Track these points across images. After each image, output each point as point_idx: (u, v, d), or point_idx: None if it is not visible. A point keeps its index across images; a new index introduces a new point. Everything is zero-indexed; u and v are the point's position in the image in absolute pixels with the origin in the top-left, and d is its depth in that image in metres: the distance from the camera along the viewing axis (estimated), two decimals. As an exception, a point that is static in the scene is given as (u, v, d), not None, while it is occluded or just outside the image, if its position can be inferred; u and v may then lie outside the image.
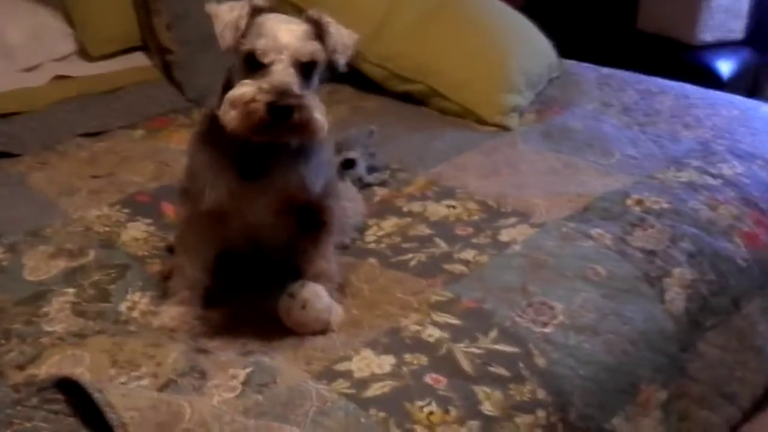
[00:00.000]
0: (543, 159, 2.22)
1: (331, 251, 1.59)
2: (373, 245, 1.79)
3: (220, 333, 1.50)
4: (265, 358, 1.39)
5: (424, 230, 1.84)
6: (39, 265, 1.66)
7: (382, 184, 2.07)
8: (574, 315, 1.59)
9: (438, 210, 1.92)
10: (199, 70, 2.56)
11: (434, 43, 2.59)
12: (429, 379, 1.37)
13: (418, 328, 1.49)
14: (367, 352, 1.42)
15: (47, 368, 1.34)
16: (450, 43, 2.59)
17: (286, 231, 1.56)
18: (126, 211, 1.89)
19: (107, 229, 1.81)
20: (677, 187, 2.05)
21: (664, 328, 1.69)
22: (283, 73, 1.32)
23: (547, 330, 1.53)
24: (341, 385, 1.34)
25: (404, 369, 1.39)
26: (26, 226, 1.80)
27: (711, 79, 3.32)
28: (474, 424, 1.34)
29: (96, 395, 1.20)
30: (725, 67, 3.51)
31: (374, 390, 1.33)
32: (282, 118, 1.30)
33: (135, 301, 1.58)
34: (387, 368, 1.38)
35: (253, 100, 1.29)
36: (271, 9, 1.41)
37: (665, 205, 1.95)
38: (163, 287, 1.60)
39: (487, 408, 1.37)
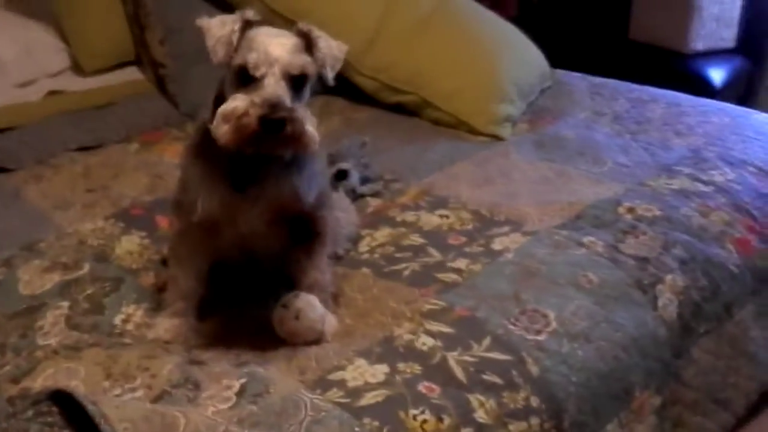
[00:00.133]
0: (535, 168, 2.23)
1: (324, 262, 1.59)
2: (366, 255, 1.80)
3: (214, 344, 1.51)
4: (259, 368, 1.39)
5: (417, 240, 1.85)
6: (33, 279, 1.66)
7: (376, 194, 2.08)
8: (567, 322, 1.59)
9: (431, 220, 1.93)
10: (192, 83, 2.57)
11: (426, 53, 2.60)
12: (422, 387, 1.38)
13: (411, 337, 1.50)
14: (361, 362, 1.42)
15: (42, 381, 1.35)
16: (441, 53, 2.60)
17: (279, 241, 1.56)
18: (120, 224, 1.90)
19: (102, 242, 1.82)
20: (669, 195, 2.06)
21: (657, 335, 1.69)
22: (274, 87, 1.33)
23: (540, 337, 1.54)
24: (335, 394, 1.34)
25: (398, 378, 1.39)
26: (21, 240, 1.81)
27: (703, 88, 3.34)
28: (468, 432, 1.34)
29: (90, 407, 1.20)
30: (717, 75, 3.53)
31: (368, 399, 1.33)
32: (274, 131, 1.31)
33: (129, 314, 1.58)
34: (380, 377, 1.39)
35: (245, 113, 1.30)
36: (262, 22, 1.42)
37: (657, 213, 1.96)
38: (157, 299, 1.61)
39: (481, 416, 1.37)
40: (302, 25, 1.41)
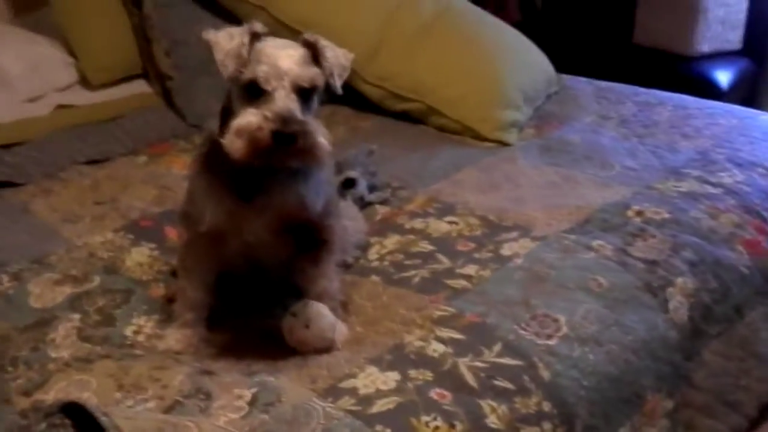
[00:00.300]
0: (542, 173, 2.23)
1: (332, 270, 1.59)
2: (375, 263, 1.80)
3: (224, 354, 1.51)
4: (270, 377, 1.39)
5: (426, 247, 1.85)
6: (44, 292, 1.67)
7: (383, 202, 2.08)
8: (577, 327, 1.59)
9: (439, 226, 1.93)
10: (198, 95, 2.58)
11: (430, 60, 2.61)
12: (434, 394, 1.38)
13: (421, 343, 1.49)
14: (372, 369, 1.42)
15: (54, 394, 1.35)
16: (446, 60, 2.61)
17: (285, 251, 1.57)
18: (129, 236, 1.90)
19: (111, 254, 1.82)
20: (677, 197, 2.06)
21: (668, 338, 1.69)
22: (285, 100, 1.33)
23: (551, 342, 1.54)
24: (347, 402, 1.34)
25: (409, 385, 1.39)
26: (31, 253, 1.81)
27: (709, 90, 3.34)
28: (480, 437, 1.34)
29: (102, 419, 1.21)
30: (723, 77, 3.53)
31: (379, 406, 1.33)
32: (287, 145, 1.31)
33: (140, 325, 1.59)
34: (392, 384, 1.39)
35: (258, 128, 1.30)
36: (268, 33, 1.42)
37: (666, 215, 1.96)
38: (167, 311, 1.61)
39: (493, 422, 1.37)
40: (308, 36, 1.42)
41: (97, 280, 1.72)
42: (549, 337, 1.55)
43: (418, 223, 1.96)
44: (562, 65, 2.91)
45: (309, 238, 1.55)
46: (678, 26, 3.68)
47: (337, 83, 1.42)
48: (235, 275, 1.61)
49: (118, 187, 2.17)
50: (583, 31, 3.98)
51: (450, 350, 1.48)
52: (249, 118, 1.32)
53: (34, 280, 1.71)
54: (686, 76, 3.53)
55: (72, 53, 2.70)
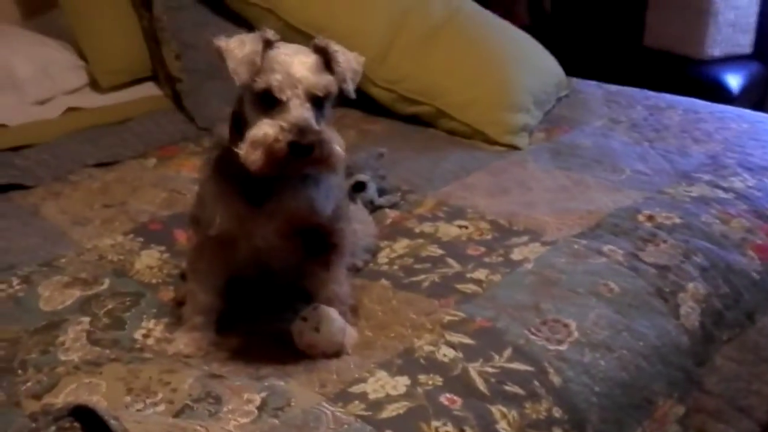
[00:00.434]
0: (552, 177, 2.22)
1: (342, 274, 1.59)
2: (385, 267, 1.79)
3: (233, 358, 1.50)
4: (279, 381, 1.39)
5: (435, 251, 1.84)
6: (54, 295, 1.67)
7: (393, 206, 2.08)
8: (588, 332, 1.58)
9: (449, 230, 1.93)
10: (208, 98, 2.58)
11: (440, 64, 2.61)
12: (444, 399, 1.37)
13: (431, 348, 1.49)
14: (382, 374, 1.42)
15: (64, 397, 1.35)
16: (456, 63, 2.61)
17: (295, 255, 1.56)
18: (139, 239, 1.90)
19: (121, 257, 1.82)
20: (688, 202, 2.05)
21: (679, 343, 1.68)
22: (300, 109, 1.32)
23: (561, 347, 1.53)
24: (356, 407, 1.34)
25: (419, 390, 1.38)
26: (40, 256, 1.81)
27: (720, 94, 3.33)
28: (490, 443, 1.33)
29: (112, 422, 1.20)
30: (734, 81, 3.52)
31: (389, 411, 1.33)
32: (303, 155, 1.31)
33: (150, 329, 1.58)
34: (402, 389, 1.38)
35: (275, 140, 1.30)
36: (279, 40, 1.41)
37: (677, 220, 1.95)
38: (177, 314, 1.61)
39: (503, 427, 1.36)
40: (319, 41, 1.41)
41: (106, 283, 1.72)
42: (560, 342, 1.54)
43: (427, 227, 1.95)
44: (571, 68, 2.91)
45: (319, 242, 1.54)
46: (688, 29, 3.68)
47: (350, 88, 1.41)
48: (244, 279, 1.60)
49: (128, 190, 2.17)
50: (593, 34, 3.97)
51: (460, 355, 1.47)
52: (265, 129, 1.31)
53: (43, 282, 1.71)
54: (697, 79, 3.52)
55: (82, 56, 2.71)
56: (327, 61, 1.39)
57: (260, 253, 1.52)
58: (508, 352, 1.49)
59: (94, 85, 2.69)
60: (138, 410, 1.31)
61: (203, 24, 2.69)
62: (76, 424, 1.26)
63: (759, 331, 1.87)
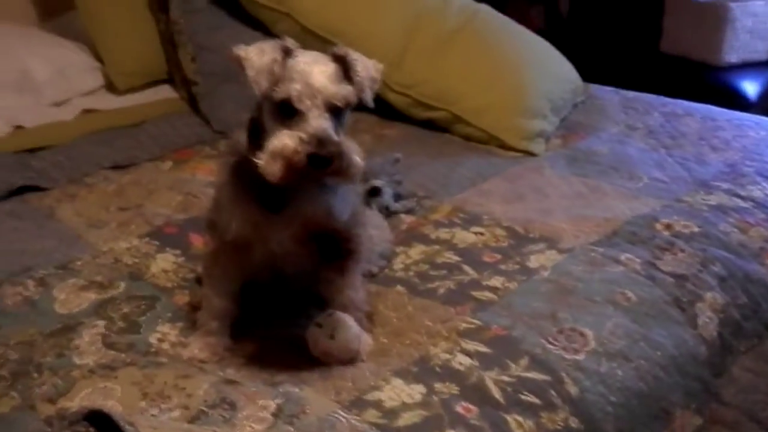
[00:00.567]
0: (569, 184, 2.21)
1: (358, 280, 1.58)
2: (401, 273, 1.78)
3: (248, 364, 1.50)
4: (294, 388, 1.38)
5: (451, 257, 1.83)
6: (69, 298, 1.67)
7: (409, 211, 2.07)
8: (605, 341, 1.57)
9: (465, 237, 1.92)
10: (224, 101, 2.58)
11: (456, 69, 2.59)
12: (460, 408, 1.36)
13: (447, 356, 1.48)
14: (397, 381, 1.41)
15: (79, 401, 1.34)
16: (472, 68, 2.60)
17: (310, 260, 1.55)
18: (155, 242, 1.90)
19: (136, 261, 1.82)
20: (706, 210, 2.04)
21: (697, 354, 1.67)
22: (319, 120, 1.31)
23: (578, 357, 1.52)
24: (372, 415, 1.33)
25: (435, 398, 1.37)
26: (56, 259, 1.81)
27: (737, 101, 3.32)
28: (506, 453, 1.32)
29: (127, 428, 1.20)
30: (751, 88, 3.50)
31: (405, 420, 1.32)
32: (322, 167, 1.30)
33: (165, 333, 1.58)
34: (417, 397, 1.37)
35: (294, 151, 1.29)
36: (299, 48, 1.40)
37: (695, 229, 1.94)
38: (192, 318, 1.61)
39: (519, 437, 1.35)
40: (338, 49, 1.40)
41: (122, 287, 1.71)
42: (576, 351, 1.53)
43: (443, 233, 1.94)
44: (587, 73, 2.89)
45: (334, 248, 1.54)
46: (706, 35, 3.66)
47: (369, 97, 1.40)
48: (258, 284, 1.60)
49: (143, 192, 2.16)
50: (609, 39, 3.96)
51: (476, 363, 1.46)
52: (285, 140, 1.30)
53: (59, 285, 1.71)
54: (713, 86, 3.51)
55: (98, 58, 2.71)
56: (346, 70, 1.38)
57: (276, 258, 1.51)
58: (524, 361, 1.48)
59: (110, 87, 2.71)
60: (153, 415, 1.31)
61: (219, 27, 2.69)
62: (91, 429, 1.26)
63: (777, 342, 1.86)
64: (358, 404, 1.36)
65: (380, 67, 1.44)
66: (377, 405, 1.35)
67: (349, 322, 1.50)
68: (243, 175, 1.43)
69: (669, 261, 1.82)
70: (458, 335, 1.54)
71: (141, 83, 2.72)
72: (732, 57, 3.63)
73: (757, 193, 2.13)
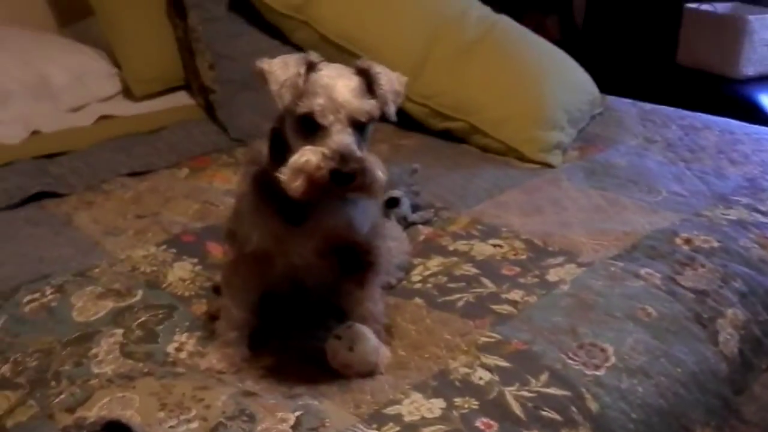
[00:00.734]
0: (587, 196, 2.20)
1: (377, 292, 1.57)
2: (419, 285, 1.77)
3: (266, 375, 1.49)
4: (313, 401, 1.37)
5: (470, 270, 1.82)
6: (87, 306, 1.66)
7: (426, 222, 2.06)
8: (625, 357, 1.55)
9: (484, 249, 1.91)
10: (241, 109, 2.58)
11: (474, 80, 2.59)
12: (480, 423, 1.34)
13: (467, 370, 1.47)
14: (417, 396, 1.40)
15: (97, 411, 1.33)
16: (490, 79, 2.59)
17: (331, 273, 1.54)
18: (172, 250, 1.89)
19: (154, 269, 1.81)
20: (726, 225, 2.02)
21: (717, 370, 1.65)
22: (342, 135, 1.30)
23: (598, 373, 1.50)
24: (391, 429, 1.31)
25: (454, 413, 1.36)
26: (73, 266, 1.80)
27: (755, 114, 3.29)
28: (526, 470, 1.31)
29: (147, 439, 1.20)
30: (770, 101, 3.48)
31: (425, 435, 1.31)
32: (345, 184, 1.29)
33: (182, 342, 1.57)
34: (437, 412, 1.36)
35: (317, 167, 1.28)
36: (323, 61, 1.39)
37: (715, 244, 1.92)
38: (209, 328, 1.60)
39: (540, 454, 1.34)
40: (361, 62, 1.39)
41: (139, 295, 1.70)
42: (597, 367, 1.51)
43: (461, 245, 1.93)
44: (603, 85, 2.89)
45: (354, 260, 1.53)
46: (723, 48, 3.65)
47: (392, 110, 1.39)
48: (277, 295, 1.59)
49: (160, 200, 2.16)
50: (625, 51, 3.95)
51: (496, 378, 1.45)
52: (307, 155, 1.29)
53: (77, 293, 1.70)
54: (731, 98, 3.49)
55: (116, 64, 2.72)
56: (369, 83, 1.37)
57: (296, 270, 1.51)
58: (544, 377, 1.47)
59: (127, 93, 2.71)
60: (171, 427, 1.30)
61: (238, 35, 2.69)
62: (110, 440, 1.26)
63: (798, 360, 1.84)
64: (377, 418, 1.34)
65: (404, 80, 1.43)
66: (397, 419, 1.34)
67: (368, 334, 1.49)
68: (264, 186, 1.42)
69: (689, 276, 1.80)
70: (477, 349, 1.53)
71: (158, 90, 2.72)
72: (749, 70, 3.61)
73: (776, 208, 2.11)
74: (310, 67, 1.36)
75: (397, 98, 1.41)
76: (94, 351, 1.52)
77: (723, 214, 2.08)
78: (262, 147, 1.45)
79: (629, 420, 1.46)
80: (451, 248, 1.92)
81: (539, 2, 4.12)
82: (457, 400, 1.39)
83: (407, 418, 1.34)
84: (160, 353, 1.54)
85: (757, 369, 1.74)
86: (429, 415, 1.35)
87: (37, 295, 1.69)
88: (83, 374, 1.45)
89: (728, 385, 1.67)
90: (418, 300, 1.71)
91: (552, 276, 1.79)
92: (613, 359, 1.54)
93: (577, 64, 2.81)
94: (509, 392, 1.42)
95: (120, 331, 1.58)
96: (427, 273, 1.82)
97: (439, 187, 2.25)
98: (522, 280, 1.77)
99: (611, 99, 2.91)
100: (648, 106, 2.89)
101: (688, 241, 1.93)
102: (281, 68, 1.34)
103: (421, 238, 1.99)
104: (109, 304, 1.67)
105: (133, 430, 1.26)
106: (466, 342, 1.56)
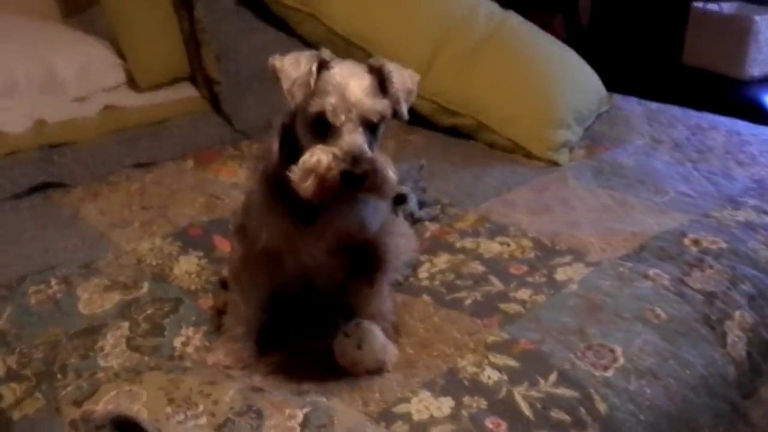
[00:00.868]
0: (595, 196, 2.19)
1: (386, 290, 1.56)
2: (426, 282, 1.77)
3: (274, 372, 1.48)
4: (321, 398, 1.36)
5: (477, 268, 1.81)
6: (93, 298, 1.66)
7: (433, 219, 2.05)
8: (634, 358, 1.54)
9: (491, 247, 1.90)
10: (247, 101, 2.57)
11: (483, 77, 2.58)
12: (489, 423, 1.34)
13: (475, 369, 1.46)
14: (425, 394, 1.39)
15: (104, 404, 1.32)
16: (499, 78, 2.58)
17: (341, 271, 1.53)
18: (178, 243, 1.88)
19: (160, 262, 1.81)
20: (734, 227, 2.01)
21: (726, 374, 1.64)
22: (353, 135, 1.29)
23: (607, 374, 1.49)
24: (400, 427, 1.31)
25: (463, 412, 1.35)
26: (79, 258, 1.80)
27: (760, 115, 3.27)
28: (536, 471, 1.30)
29: (155, 435, 1.19)
30: (774, 102, 3.47)
31: (434, 434, 1.30)
32: (356, 185, 1.28)
33: (189, 336, 1.57)
34: (446, 411, 1.35)
35: (328, 168, 1.26)
36: (334, 58, 1.37)
37: (723, 245, 1.91)
38: (216, 322, 1.59)
39: (549, 455, 1.33)
40: (373, 61, 1.37)
41: (145, 288, 1.70)
42: (605, 368, 1.50)
43: (468, 243, 1.92)
44: (608, 84, 2.87)
45: (364, 258, 1.52)
46: (728, 48, 3.63)
47: (404, 109, 1.37)
48: (286, 294, 1.58)
49: (166, 192, 2.15)
50: (630, 51, 3.93)
51: (505, 378, 1.44)
52: (318, 155, 1.27)
53: (82, 285, 1.70)
54: (736, 99, 3.47)
55: (120, 54, 2.70)
56: (381, 81, 1.36)
57: (307, 269, 1.50)
58: (553, 377, 1.46)
59: (132, 83, 2.69)
60: (179, 422, 1.29)
61: (244, 27, 2.68)
62: (117, 434, 1.25)
63: (805, 364, 1.83)
64: (386, 416, 1.34)
65: (417, 78, 1.42)
66: (406, 418, 1.34)
67: (376, 331, 1.48)
68: (275, 183, 1.40)
69: (698, 278, 1.79)
70: (486, 348, 1.52)
71: (163, 81, 2.70)
72: (755, 70, 3.59)
73: (785, 210, 2.10)
74: (322, 64, 1.34)
75: (409, 97, 1.39)
76: (100, 344, 1.51)
77: (731, 215, 2.07)
78: (273, 143, 1.43)
79: (638, 422, 1.45)
80: (458, 245, 1.91)
81: (545, 1, 4.10)
82: (466, 400, 1.38)
83: (416, 417, 1.34)
84: (166, 347, 1.53)
85: (764, 373, 1.73)
86: (438, 414, 1.35)
87: (42, 286, 1.69)
88: (90, 367, 1.45)
89: (736, 388, 1.66)
90: (425, 297, 1.70)
91: (560, 275, 1.78)
92: (621, 360, 1.53)
93: (585, 62, 2.80)
94: (518, 392, 1.42)
95: (126, 324, 1.58)
96: (435, 270, 1.81)
97: (446, 183, 2.24)
98: (530, 279, 1.77)
99: (618, 98, 2.90)
100: (654, 105, 2.88)
101: (696, 242, 1.93)
102: (293, 66, 1.32)
103: (428, 234, 1.98)
104: (116, 297, 1.66)
105: (141, 425, 1.24)
106: (474, 341, 1.55)
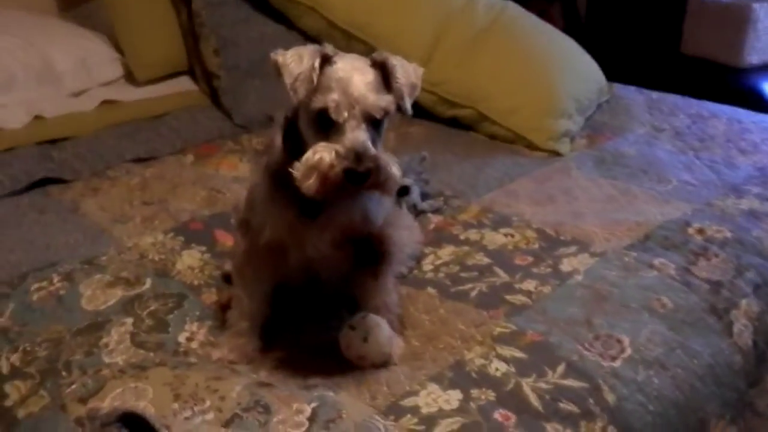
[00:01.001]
0: (598, 186, 2.18)
1: (391, 282, 1.55)
2: (430, 274, 1.76)
3: (280, 367, 1.47)
4: (329, 392, 1.35)
5: (482, 259, 1.80)
6: (96, 294, 1.64)
7: (436, 211, 2.04)
8: (642, 348, 1.54)
9: (495, 238, 1.89)
10: (246, 95, 2.56)
11: (483, 68, 2.57)
12: (498, 415, 1.33)
13: (483, 361, 1.45)
14: (433, 387, 1.38)
15: (110, 401, 1.31)
16: (499, 67, 2.57)
17: (345, 264, 1.52)
18: (180, 238, 1.87)
19: (162, 257, 1.79)
20: (738, 215, 2.01)
21: (732, 362, 1.63)
22: (357, 132, 1.28)
23: (615, 364, 1.49)
24: (409, 421, 1.30)
25: (472, 405, 1.34)
26: (81, 253, 1.79)
27: (759, 103, 3.27)
28: (546, 462, 1.29)
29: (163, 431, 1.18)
30: (773, 90, 3.46)
31: (443, 427, 1.29)
32: (359, 183, 1.27)
33: (193, 332, 1.55)
34: (455, 404, 1.34)
35: (330, 166, 1.25)
36: (337, 53, 1.36)
37: (728, 234, 1.91)
38: (220, 317, 1.58)
39: (559, 446, 1.32)
40: (377, 55, 1.35)
41: (148, 283, 1.68)
42: (613, 359, 1.50)
43: (473, 234, 1.91)
44: (607, 74, 2.86)
45: (369, 250, 1.51)
46: (727, 37, 3.63)
47: (408, 104, 1.36)
48: (291, 287, 1.57)
49: (167, 187, 2.14)
50: (628, 40, 3.92)
51: (512, 369, 1.44)
52: (321, 153, 1.26)
53: (85, 281, 1.68)
54: (735, 87, 3.48)
55: (118, 48, 2.68)
56: (385, 76, 1.34)
57: (311, 263, 1.48)
58: (561, 368, 1.45)
59: (130, 77, 2.67)
60: (186, 418, 1.28)
61: (243, 20, 2.66)
62: (124, 431, 1.23)
63: (811, 351, 1.83)
64: (394, 410, 1.33)
65: (421, 71, 1.40)
66: (414, 411, 1.33)
67: (382, 324, 1.47)
68: (278, 177, 1.39)
69: (704, 267, 1.79)
70: (493, 340, 1.51)
71: (161, 75, 2.69)
72: (754, 58, 3.59)
73: (788, 198, 2.10)
74: (325, 59, 1.32)
75: (413, 92, 1.38)
76: (104, 340, 1.50)
77: (735, 204, 2.07)
78: (276, 137, 1.42)
79: (647, 412, 1.45)
80: (462, 237, 1.91)
81: (543, -10, 4.09)
82: (474, 392, 1.38)
83: (425, 410, 1.33)
84: (171, 343, 1.52)
85: (770, 361, 1.73)
86: (447, 407, 1.34)
87: (44, 283, 1.67)
88: (95, 364, 1.43)
89: (743, 377, 1.65)
90: (430, 290, 1.69)
91: (565, 266, 1.77)
92: (629, 351, 1.52)
93: (584, 51, 2.78)
94: (526, 384, 1.41)
95: (130, 320, 1.57)
96: (439, 262, 1.80)
97: (449, 175, 2.23)
98: (535, 270, 1.76)
99: (618, 87, 2.89)
100: (655, 94, 2.87)
101: (700, 231, 1.92)
102: (295, 61, 1.31)
103: (431, 226, 1.97)
104: (119, 293, 1.65)
105: (148, 421, 1.23)
106: (480, 333, 1.54)
